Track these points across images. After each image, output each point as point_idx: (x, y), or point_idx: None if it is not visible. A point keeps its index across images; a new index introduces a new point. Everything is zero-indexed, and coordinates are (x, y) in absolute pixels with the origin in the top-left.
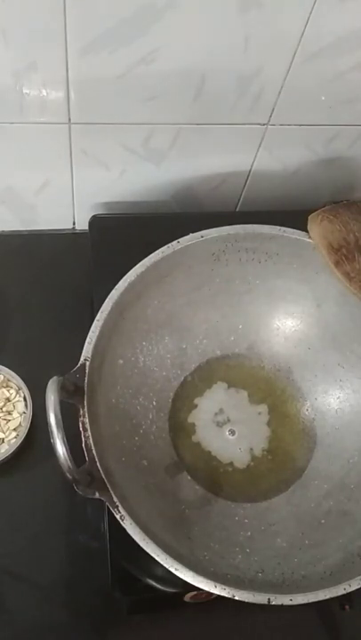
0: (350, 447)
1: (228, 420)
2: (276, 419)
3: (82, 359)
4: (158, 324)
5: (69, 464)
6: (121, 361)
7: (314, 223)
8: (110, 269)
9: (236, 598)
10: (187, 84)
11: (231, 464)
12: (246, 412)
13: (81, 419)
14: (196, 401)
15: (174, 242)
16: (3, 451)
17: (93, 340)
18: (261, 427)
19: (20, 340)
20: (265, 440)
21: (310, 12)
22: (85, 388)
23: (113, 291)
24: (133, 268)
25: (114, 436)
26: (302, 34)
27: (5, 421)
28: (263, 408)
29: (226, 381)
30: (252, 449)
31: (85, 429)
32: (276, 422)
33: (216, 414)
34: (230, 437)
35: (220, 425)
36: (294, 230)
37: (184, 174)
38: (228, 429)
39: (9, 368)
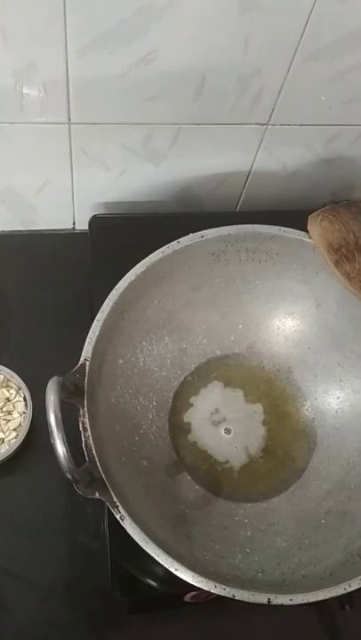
0: (350, 447)
1: (224, 419)
2: (275, 418)
3: (82, 359)
4: (158, 324)
5: (69, 464)
6: (121, 361)
7: (314, 223)
8: (110, 269)
9: (237, 598)
10: (187, 84)
11: (228, 462)
12: (242, 412)
13: (81, 419)
14: (192, 400)
15: (174, 242)
16: (3, 451)
17: (93, 340)
18: (257, 426)
19: (20, 340)
20: (261, 439)
21: (310, 12)
22: (85, 388)
23: (113, 291)
24: (133, 268)
25: (114, 435)
26: (302, 34)
27: (5, 421)
28: (258, 407)
29: (223, 381)
30: (247, 448)
31: (85, 429)
32: (274, 422)
33: (212, 413)
34: (226, 436)
35: (215, 424)
36: (294, 230)
37: (184, 174)
38: (224, 428)
39: (9, 368)
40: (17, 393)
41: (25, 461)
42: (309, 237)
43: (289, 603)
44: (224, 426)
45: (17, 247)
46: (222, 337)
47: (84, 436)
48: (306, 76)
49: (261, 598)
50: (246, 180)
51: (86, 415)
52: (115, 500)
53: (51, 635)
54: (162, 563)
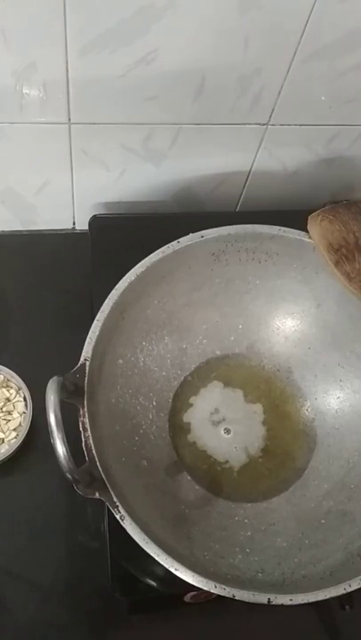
0: (350, 447)
1: (224, 419)
2: (275, 418)
3: (82, 359)
4: (158, 324)
5: (69, 464)
6: (121, 361)
7: (314, 223)
8: (110, 269)
9: (237, 598)
10: (187, 83)
11: (227, 462)
12: (242, 411)
13: (81, 419)
14: (192, 400)
15: (174, 242)
16: (3, 451)
17: (93, 340)
18: (257, 426)
19: (20, 340)
20: (261, 439)
21: (310, 12)
22: (85, 388)
23: (113, 291)
24: (133, 268)
25: (114, 435)
26: (302, 34)
27: (5, 421)
28: (258, 407)
29: (223, 381)
30: (247, 448)
31: (85, 429)
32: (274, 422)
33: (212, 413)
34: (226, 436)
35: (215, 424)
36: (294, 230)
37: (184, 174)
38: (224, 428)
39: (9, 368)
40: (17, 393)
41: (25, 461)
42: (309, 237)
43: (289, 603)
44: (224, 426)
45: (17, 247)
46: (222, 337)
47: (84, 436)
48: (306, 75)
49: (261, 598)
50: (246, 180)
51: (86, 415)
52: (115, 500)
53: (51, 635)
54: (162, 563)
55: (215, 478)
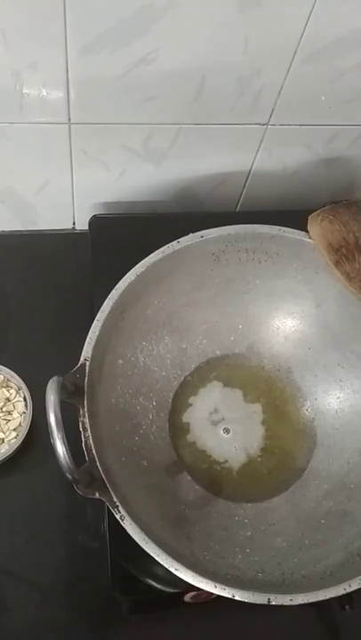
0: (350, 447)
1: (223, 419)
2: (275, 418)
3: (82, 359)
4: (158, 324)
5: (69, 464)
6: (121, 361)
7: (314, 223)
8: (110, 269)
9: (237, 598)
10: (187, 83)
11: (226, 462)
12: (241, 411)
13: (81, 419)
14: (191, 400)
15: (174, 242)
16: (3, 451)
17: (93, 340)
18: (256, 426)
19: (20, 340)
20: (260, 439)
21: (310, 12)
22: (85, 388)
23: (113, 291)
24: (133, 268)
25: (114, 435)
26: (302, 34)
27: (5, 421)
28: (258, 407)
29: (223, 381)
30: (246, 447)
31: (85, 429)
32: (274, 422)
33: (211, 413)
34: (225, 436)
35: (214, 424)
36: (294, 230)
37: (184, 174)
38: (223, 428)
39: (9, 368)
40: (17, 393)
41: (25, 461)
42: (309, 237)
43: (289, 603)
44: (223, 425)
45: (17, 247)
46: (222, 337)
47: (84, 436)
48: (306, 75)
49: (261, 598)
50: (246, 180)
51: (86, 415)
52: (115, 500)
53: (51, 635)
54: (162, 563)
55: (215, 478)
